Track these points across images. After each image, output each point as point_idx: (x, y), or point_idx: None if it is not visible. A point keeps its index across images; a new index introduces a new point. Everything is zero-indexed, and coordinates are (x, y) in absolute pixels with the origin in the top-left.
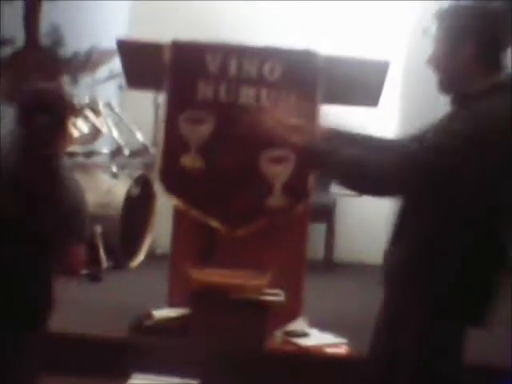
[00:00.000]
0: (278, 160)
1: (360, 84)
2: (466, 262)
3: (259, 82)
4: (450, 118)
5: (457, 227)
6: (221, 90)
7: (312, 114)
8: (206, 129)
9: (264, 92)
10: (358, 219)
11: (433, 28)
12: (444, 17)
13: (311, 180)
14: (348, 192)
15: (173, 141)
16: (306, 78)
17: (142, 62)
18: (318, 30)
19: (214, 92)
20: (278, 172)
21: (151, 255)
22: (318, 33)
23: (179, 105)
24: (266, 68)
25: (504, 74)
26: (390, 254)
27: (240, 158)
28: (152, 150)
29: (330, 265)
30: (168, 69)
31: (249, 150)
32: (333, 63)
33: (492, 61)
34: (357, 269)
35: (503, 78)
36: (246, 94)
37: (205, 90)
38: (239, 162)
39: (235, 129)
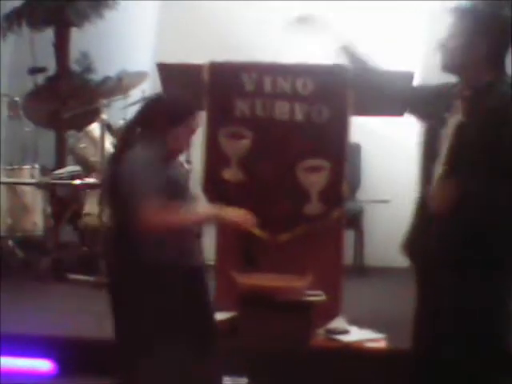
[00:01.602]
0: (313, 169)
1: (387, 95)
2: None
3: (293, 97)
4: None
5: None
6: (257, 105)
7: (343, 125)
8: (244, 143)
9: (297, 106)
10: (384, 225)
11: (448, 21)
12: (460, 14)
13: (345, 188)
14: (374, 199)
15: (214, 156)
16: (337, 91)
17: (181, 83)
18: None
19: (251, 108)
20: (314, 181)
21: None
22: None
23: (219, 122)
24: (299, 83)
25: (504, 72)
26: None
27: (278, 169)
28: (186, 166)
29: (360, 270)
30: (206, 88)
31: (286, 161)
32: (361, 76)
33: (499, 57)
34: (386, 273)
35: (504, 75)
36: (281, 109)
37: (242, 107)
38: (277, 172)
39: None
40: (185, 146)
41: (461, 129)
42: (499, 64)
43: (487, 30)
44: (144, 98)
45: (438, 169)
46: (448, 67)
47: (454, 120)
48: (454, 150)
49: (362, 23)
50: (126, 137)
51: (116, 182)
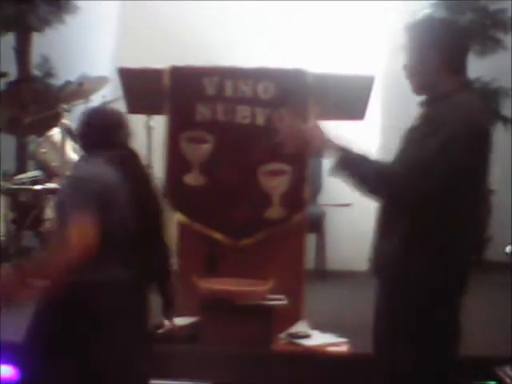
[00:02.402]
0: (275, 173)
1: (347, 99)
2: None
3: (254, 101)
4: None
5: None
6: (218, 110)
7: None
8: (206, 147)
9: (259, 110)
10: (346, 229)
11: (404, 39)
12: (413, 30)
13: (306, 192)
14: (335, 203)
15: (175, 160)
16: (298, 95)
17: (142, 88)
18: (304, 49)
19: (212, 112)
20: (276, 185)
21: None
22: (304, 51)
23: (180, 126)
24: (260, 88)
25: (466, 77)
26: (379, 248)
27: (239, 173)
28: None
29: (322, 274)
30: (167, 93)
31: (247, 165)
32: (321, 80)
33: (456, 66)
34: (348, 277)
35: (465, 79)
36: (242, 113)
37: (203, 111)
38: (239, 177)
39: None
40: None
41: (408, 132)
42: (459, 73)
43: (439, 41)
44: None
45: None
46: (415, 86)
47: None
48: (401, 150)
49: (324, 24)
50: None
51: None
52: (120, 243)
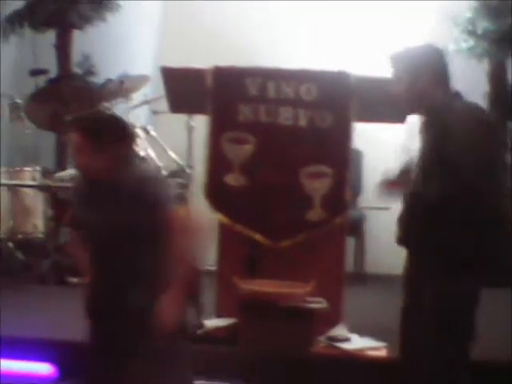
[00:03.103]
0: (316, 175)
1: (389, 102)
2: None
3: (296, 102)
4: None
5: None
6: (260, 111)
7: (346, 132)
8: (247, 148)
9: (301, 112)
10: (385, 232)
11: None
12: (397, 61)
13: (347, 194)
14: (374, 206)
15: (217, 161)
16: (340, 97)
17: (185, 88)
18: (348, 51)
19: (254, 113)
20: (317, 187)
21: None
22: (348, 54)
23: (222, 126)
24: (303, 89)
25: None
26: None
27: (281, 175)
28: (188, 171)
29: (360, 277)
30: (210, 93)
31: (289, 166)
32: (364, 83)
33: (444, 79)
34: (387, 280)
35: (453, 90)
36: (285, 115)
37: (245, 112)
38: (280, 178)
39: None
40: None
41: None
42: (447, 85)
43: (426, 63)
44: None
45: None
46: (410, 103)
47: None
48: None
49: (367, 26)
50: None
51: None
52: None
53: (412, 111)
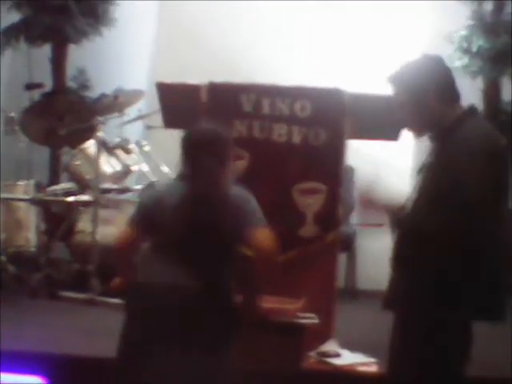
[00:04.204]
0: (309, 192)
1: (383, 119)
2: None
3: (291, 119)
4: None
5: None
6: (255, 127)
7: (339, 149)
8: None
9: (295, 129)
10: (377, 248)
11: (393, 90)
12: (400, 77)
13: (340, 211)
14: (367, 222)
15: None
16: (334, 114)
17: (180, 103)
18: (342, 68)
19: (248, 129)
20: (310, 203)
21: None
22: (343, 71)
23: None
24: (297, 106)
25: (462, 104)
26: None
27: (274, 191)
28: None
29: (352, 293)
30: (204, 108)
31: (282, 182)
32: (358, 100)
33: (450, 97)
34: (378, 296)
35: (465, 107)
36: (279, 131)
37: (240, 128)
38: (273, 194)
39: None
40: None
41: (427, 168)
42: (455, 100)
43: (428, 78)
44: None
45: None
46: (420, 128)
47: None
48: (419, 189)
49: (361, 44)
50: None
51: None
52: None
53: (420, 134)
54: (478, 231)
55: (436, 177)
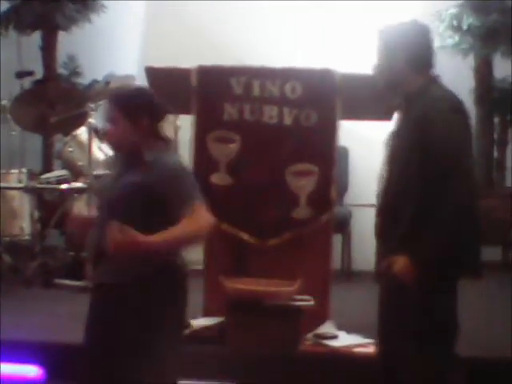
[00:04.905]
0: (302, 173)
1: (375, 99)
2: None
3: (281, 101)
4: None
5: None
6: (245, 110)
7: (331, 129)
8: (233, 147)
9: (286, 110)
10: (371, 229)
11: (376, 42)
12: (382, 33)
13: (334, 192)
14: (361, 203)
15: (202, 160)
16: (325, 95)
17: (170, 87)
18: (332, 49)
19: (239, 112)
20: (303, 185)
21: None
22: (333, 51)
23: (207, 126)
24: (288, 88)
25: (432, 73)
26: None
27: (266, 174)
28: None
29: (348, 274)
30: (195, 92)
31: (274, 165)
32: (350, 80)
33: (421, 64)
34: (373, 277)
35: (432, 75)
36: (270, 113)
37: (230, 111)
38: (266, 177)
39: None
40: None
41: (393, 135)
42: (425, 70)
43: (403, 42)
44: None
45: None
46: (385, 85)
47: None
48: (388, 157)
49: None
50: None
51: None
52: None
53: (388, 97)
54: (456, 188)
55: (405, 139)
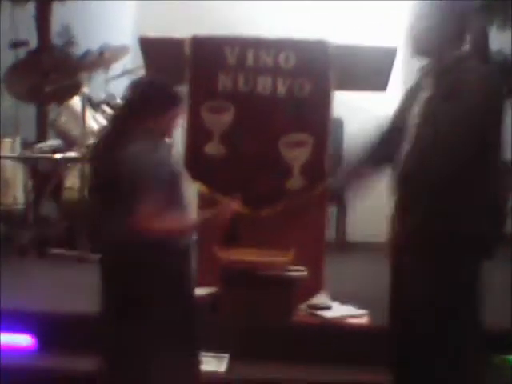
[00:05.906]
0: (295, 144)
1: (370, 70)
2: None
3: (275, 71)
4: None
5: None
6: (239, 80)
7: (325, 100)
8: (227, 117)
9: (280, 81)
10: (367, 200)
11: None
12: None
13: (328, 163)
14: None
15: (196, 130)
16: (319, 66)
17: (163, 57)
18: (327, 20)
19: (233, 82)
20: (296, 155)
21: None
22: (328, 22)
23: (201, 96)
24: (281, 58)
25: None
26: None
27: (260, 144)
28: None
29: (342, 245)
30: (188, 62)
31: (268, 135)
32: (344, 51)
33: (461, 34)
34: (368, 248)
35: (464, 52)
36: (263, 83)
37: (224, 81)
38: (259, 147)
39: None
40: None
41: (428, 102)
42: (463, 41)
43: (450, 10)
44: (126, 72)
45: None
46: (418, 50)
47: (423, 95)
48: (420, 125)
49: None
50: (119, 125)
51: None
52: None
53: (416, 53)
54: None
55: (441, 109)
